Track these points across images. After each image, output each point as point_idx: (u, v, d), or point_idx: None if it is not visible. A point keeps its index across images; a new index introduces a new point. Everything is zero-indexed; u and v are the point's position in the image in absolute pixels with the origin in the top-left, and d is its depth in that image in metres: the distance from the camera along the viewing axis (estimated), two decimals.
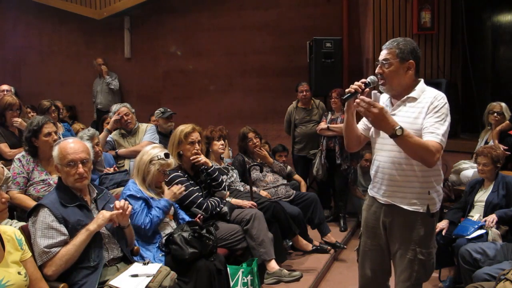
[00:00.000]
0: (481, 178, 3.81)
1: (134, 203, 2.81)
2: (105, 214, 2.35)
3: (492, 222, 3.43)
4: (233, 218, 3.47)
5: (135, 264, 2.45)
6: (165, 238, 2.82)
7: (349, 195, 5.41)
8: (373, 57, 5.54)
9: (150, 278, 2.30)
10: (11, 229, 2.09)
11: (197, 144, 3.44)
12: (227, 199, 3.65)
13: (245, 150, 4.49)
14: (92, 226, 2.30)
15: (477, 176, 3.98)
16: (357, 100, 2.08)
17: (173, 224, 3.02)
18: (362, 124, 2.48)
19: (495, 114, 4.51)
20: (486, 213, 3.58)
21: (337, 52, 5.71)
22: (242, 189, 4.11)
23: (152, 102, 6.83)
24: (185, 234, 2.75)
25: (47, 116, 3.83)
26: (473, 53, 5.47)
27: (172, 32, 6.95)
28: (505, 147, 4.14)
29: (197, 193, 3.34)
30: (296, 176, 4.98)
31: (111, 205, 2.48)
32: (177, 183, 3.28)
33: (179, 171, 3.36)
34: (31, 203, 2.98)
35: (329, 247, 4.25)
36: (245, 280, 3.17)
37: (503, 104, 4.56)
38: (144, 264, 2.44)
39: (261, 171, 4.40)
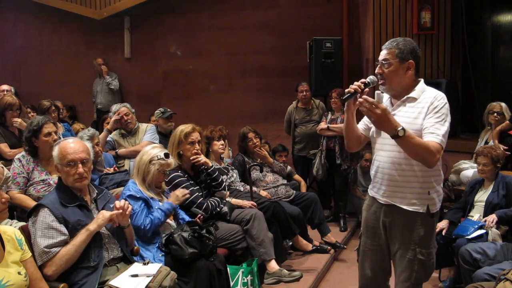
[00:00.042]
0: (481, 178, 3.81)
1: (134, 203, 2.81)
2: (105, 214, 2.35)
3: (492, 222, 3.43)
4: (233, 218, 3.47)
5: (135, 264, 2.45)
6: (165, 238, 2.82)
7: (349, 195, 5.41)
8: (373, 57, 5.54)
9: (150, 278, 2.30)
10: (11, 229, 2.09)
11: (197, 144, 3.44)
12: (227, 199, 3.65)
13: (245, 150, 4.49)
14: (92, 226, 2.30)
15: (477, 176, 3.98)
16: (360, 100, 2.07)
17: (173, 224, 3.02)
18: (363, 124, 2.48)
19: (495, 114, 4.51)
20: (486, 213, 3.58)
21: (337, 52, 5.70)
22: (242, 189, 4.11)
23: (152, 102, 6.83)
24: (185, 234, 2.75)
25: (47, 116, 3.83)
26: (473, 53, 5.46)
27: (172, 32, 6.95)
28: (505, 147, 4.14)
29: (197, 193, 3.34)
30: (296, 176, 4.98)
31: (111, 205, 2.48)
32: (177, 183, 3.29)
33: (179, 171, 3.37)
34: (31, 203, 2.98)
35: (329, 247, 4.25)
36: (245, 280, 3.17)
37: (503, 104, 4.56)
38: (144, 264, 2.44)
39: (261, 171, 4.40)
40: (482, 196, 3.72)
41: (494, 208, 3.56)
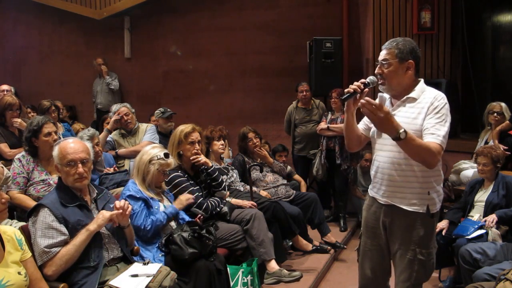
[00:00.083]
0: (481, 178, 3.81)
1: (134, 204, 2.81)
2: (105, 214, 2.36)
3: (492, 222, 3.43)
4: (233, 218, 3.47)
5: (135, 264, 2.45)
6: (165, 238, 2.82)
7: (349, 195, 5.41)
8: (373, 57, 5.54)
9: (150, 278, 2.30)
10: (11, 229, 2.09)
11: (197, 144, 3.44)
12: (227, 199, 3.65)
13: (245, 150, 4.49)
14: (92, 226, 2.30)
15: (477, 176, 3.98)
16: (362, 101, 2.04)
17: (173, 224, 3.02)
18: (363, 124, 2.48)
19: (495, 114, 4.51)
20: (486, 213, 3.58)
21: (337, 52, 5.70)
22: (242, 189, 4.11)
23: (152, 102, 6.83)
24: (185, 234, 2.75)
25: (47, 116, 3.83)
26: (473, 53, 5.46)
27: (172, 32, 6.95)
28: (505, 147, 4.14)
29: (197, 193, 3.34)
30: (296, 176, 4.98)
31: (111, 205, 2.48)
32: (177, 183, 3.29)
33: (179, 171, 3.37)
34: (31, 203, 2.98)
35: (329, 247, 4.25)
36: (245, 280, 3.17)
37: (503, 104, 4.56)
38: (144, 264, 2.44)
39: (261, 171, 4.40)
40: (482, 196, 3.72)
41: (494, 208, 3.56)
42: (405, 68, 2.28)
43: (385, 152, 2.33)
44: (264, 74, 6.64)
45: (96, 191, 2.54)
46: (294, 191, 4.48)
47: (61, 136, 3.62)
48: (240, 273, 3.17)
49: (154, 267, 2.41)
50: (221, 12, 6.75)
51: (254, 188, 4.14)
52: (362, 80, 2.28)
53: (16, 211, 3.19)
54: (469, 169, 4.53)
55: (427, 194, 2.28)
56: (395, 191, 2.31)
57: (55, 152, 2.45)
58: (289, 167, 4.88)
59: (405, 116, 2.27)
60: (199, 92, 6.90)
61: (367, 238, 2.48)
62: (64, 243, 2.26)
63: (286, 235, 3.92)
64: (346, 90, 2.28)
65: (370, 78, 2.31)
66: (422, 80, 2.34)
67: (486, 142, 4.51)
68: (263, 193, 4.23)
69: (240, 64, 6.74)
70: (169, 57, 7.00)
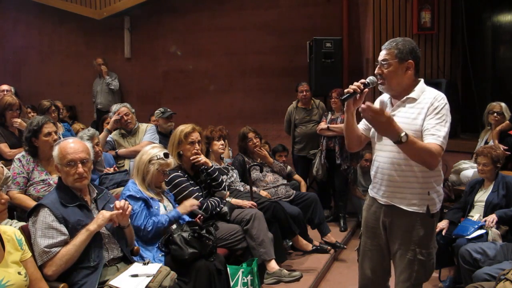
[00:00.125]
0: (481, 178, 3.81)
1: (134, 204, 2.80)
2: (105, 214, 2.36)
3: (492, 222, 3.43)
4: (233, 218, 3.47)
5: (135, 264, 2.45)
6: (164, 238, 2.82)
7: (349, 195, 5.41)
8: (373, 57, 5.54)
9: (150, 278, 2.30)
10: (11, 229, 2.09)
11: (197, 144, 3.44)
12: (227, 199, 3.65)
13: (245, 150, 4.49)
14: (92, 226, 2.30)
15: (477, 176, 3.98)
16: (363, 106, 2.03)
17: (173, 225, 3.01)
18: (363, 124, 2.48)
19: (495, 114, 4.51)
20: (486, 213, 3.58)
21: (337, 52, 5.70)
22: (242, 189, 4.11)
23: (152, 102, 6.83)
24: (185, 234, 2.75)
25: (47, 116, 3.83)
26: (473, 53, 5.46)
27: (172, 32, 6.95)
28: (505, 147, 4.14)
29: (197, 193, 3.34)
30: (296, 176, 4.98)
31: (111, 205, 2.48)
32: (177, 183, 3.28)
33: (179, 171, 3.37)
34: (31, 203, 2.98)
35: (329, 247, 4.25)
36: (245, 280, 3.17)
37: (503, 104, 4.56)
38: (144, 264, 2.44)
39: (261, 171, 4.40)
40: (482, 196, 3.72)
41: (494, 208, 3.56)
42: (405, 68, 2.27)
43: (385, 152, 2.33)
44: (264, 74, 6.64)
45: (96, 191, 2.54)
46: (294, 191, 4.48)
47: (61, 136, 3.62)
48: (240, 273, 3.17)
49: (154, 267, 2.41)
50: (221, 12, 6.75)
51: (254, 188, 4.14)
52: (362, 80, 2.28)
53: (16, 211, 3.19)
54: (469, 169, 4.53)
55: (427, 194, 2.28)
56: (395, 192, 2.31)
57: (55, 152, 2.45)
58: (289, 167, 4.88)
59: (405, 117, 2.27)
60: (199, 92, 6.90)
61: (367, 238, 2.48)
62: (64, 243, 2.26)
63: (286, 235, 3.92)
64: (346, 91, 2.28)
65: (370, 78, 2.31)
66: (422, 80, 2.34)
67: (486, 142, 4.51)
68: (263, 193, 4.23)
69: (240, 64, 6.74)
70: (169, 57, 7.00)
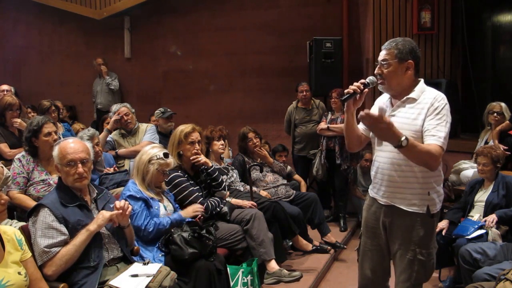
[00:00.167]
0: (481, 178, 3.81)
1: (134, 204, 2.81)
2: (105, 214, 2.36)
3: (492, 222, 3.43)
4: (233, 218, 3.47)
5: (135, 264, 2.45)
6: (164, 238, 2.82)
7: (349, 195, 5.41)
8: (373, 57, 5.53)
9: (150, 278, 2.30)
10: (11, 229, 2.09)
11: (197, 144, 3.44)
12: (227, 199, 3.65)
13: (245, 150, 4.49)
14: (92, 227, 2.30)
15: (477, 176, 3.98)
16: (362, 114, 2.03)
17: None
18: (363, 125, 2.48)
19: (495, 114, 4.51)
20: (486, 213, 3.58)
21: (337, 52, 5.70)
22: (242, 189, 4.11)
23: (152, 102, 6.83)
24: (185, 234, 2.75)
25: (47, 116, 3.83)
26: (473, 53, 5.46)
27: (172, 32, 6.95)
28: (505, 147, 4.14)
29: (197, 193, 3.34)
30: (296, 176, 4.98)
31: (111, 205, 2.48)
32: (177, 183, 3.28)
33: (179, 171, 3.37)
34: (31, 203, 2.98)
35: (329, 247, 4.24)
36: (245, 280, 3.17)
37: (503, 104, 4.56)
38: (144, 264, 2.44)
39: (261, 171, 4.40)
40: (482, 196, 3.72)
41: (494, 208, 3.56)
42: (405, 68, 2.27)
43: (385, 152, 2.33)
44: (264, 74, 6.64)
45: (96, 191, 2.54)
46: (294, 191, 4.48)
47: (61, 136, 3.62)
48: (240, 273, 3.17)
49: (154, 267, 2.41)
50: (221, 12, 6.75)
51: (254, 188, 4.14)
52: (362, 81, 2.28)
53: (16, 211, 3.19)
54: (469, 169, 4.53)
55: (427, 194, 2.28)
56: (395, 192, 2.31)
57: (55, 152, 2.45)
58: (289, 167, 4.88)
59: (405, 117, 2.27)
60: (199, 92, 6.90)
61: (367, 238, 2.48)
62: (64, 243, 2.26)
63: (286, 235, 3.92)
64: (346, 91, 2.29)
65: (370, 78, 2.31)
66: (422, 80, 2.34)
67: (486, 142, 4.51)
68: (263, 193, 4.23)
69: (240, 64, 6.74)
70: (169, 57, 7.00)
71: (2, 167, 3.07)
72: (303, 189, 4.93)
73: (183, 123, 3.56)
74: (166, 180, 3.18)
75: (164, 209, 3.01)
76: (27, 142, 3.27)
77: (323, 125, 5.15)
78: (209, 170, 3.49)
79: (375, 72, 2.33)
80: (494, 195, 3.63)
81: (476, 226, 3.46)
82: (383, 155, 2.34)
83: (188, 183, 3.35)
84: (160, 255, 2.79)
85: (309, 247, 4.07)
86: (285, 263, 3.80)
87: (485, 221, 3.47)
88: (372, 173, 2.45)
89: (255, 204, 3.70)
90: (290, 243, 4.15)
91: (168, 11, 6.91)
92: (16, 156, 3.31)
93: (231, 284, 2.99)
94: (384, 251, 2.42)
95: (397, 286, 2.39)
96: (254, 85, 6.69)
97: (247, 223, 3.42)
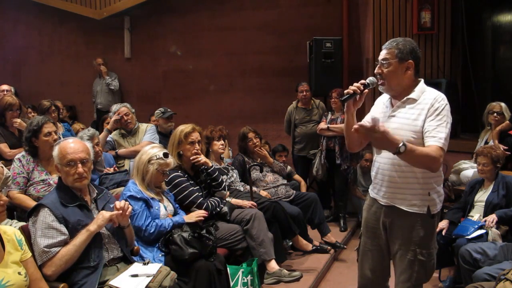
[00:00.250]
0: (481, 178, 3.81)
1: (135, 204, 2.81)
2: (105, 214, 2.35)
3: (492, 222, 3.43)
4: (233, 218, 3.47)
5: (135, 264, 2.45)
6: (164, 238, 2.82)
7: (349, 195, 5.41)
8: (373, 57, 5.53)
9: (150, 278, 2.30)
10: (11, 229, 2.09)
11: (197, 144, 3.44)
12: (227, 199, 3.65)
13: (245, 150, 4.49)
14: (92, 227, 2.30)
15: (477, 176, 3.98)
16: (355, 127, 2.05)
17: None
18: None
19: (495, 114, 4.51)
20: (486, 213, 3.58)
21: (337, 52, 5.70)
22: (242, 189, 4.11)
23: (152, 102, 6.83)
24: (185, 235, 2.76)
25: (47, 116, 3.83)
26: (473, 53, 5.46)
27: (172, 32, 6.95)
28: (505, 147, 4.14)
29: (197, 193, 3.34)
30: (296, 176, 4.98)
31: (111, 205, 2.48)
32: (177, 183, 3.28)
33: (179, 171, 3.36)
34: (31, 203, 2.98)
35: (329, 247, 4.25)
36: (245, 280, 3.17)
37: (503, 104, 4.56)
38: (144, 264, 2.44)
39: (261, 171, 4.40)
40: (482, 196, 3.72)
41: (494, 208, 3.56)
42: (405, 68, 2.27)
43: (385, 153, 2.32)
44: (264, 74, 6.64)
45: (96, 191, 2.54)
46: (294, 191, 4.48)
47: (61, 136, 3.62)
48: (240, 273, 3.17)
49: (154, 267, 2.41)
50: (221, 12, 6.75)
51: (254, 188, 4.14)
52: (362, 81, 2.29)
53: (16, 211, 3.20)
54: (469, 169, 4.53)
55: (427, 195, 2.28)
56: (396, 192, 2.31)
57: (55, 152, 2.45)
58: (289, 167, 4.88)
59: (405, 117, 2.27)
60: (199, 92, 6.90)
61: (367, 238, 2.48)
62: (64, 243, 2.26)
63: (286, 235, 3.92)
64: (345, 92, 2.29)
65: (370, 79, 2.31)
66: (422, 81, 2.33)
67: (486, 142, 4.51)
68: (263, 193, 4.23)
69: (240, 64, 6.74)
70: (169, 57, 7.00)
71: (2, 167, 3.07)
72: (303, 189, 4.93)
73: (183, 123, 3.56)
74: (166, 180, 3.18)
75: (164, 209, 3.01)
76: (27, 142, 3.27)
77: (323, 125, 5.15)
78: (209, 170, 3.49)
79: (375, 71, 2.33)
80: (494, 195, 3.63)
81: (476, 226, 3.46)
82: (384, 156, 2.34)
83: (188, 183, 3.35)
84: (160, 255, 2.79)
85: (309, 247, 4.07)
86: (285, 263, 3.80)
87: (485, 221, 3.47)
88: (373, 173, 2.45)
89: (255, 204, 3.70)
90: (290, 243, 4.15)
91: (168, 11, 6.91)
92: (16, 156, 3.31)
93: (231, 284, 3.00)
94: (384, 251, 2.42)
95: (397, 286, 2.39)
96: (254, 85, 6.68)
97: (247, 223, 3.42)
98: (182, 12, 6.87)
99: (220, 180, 3.54)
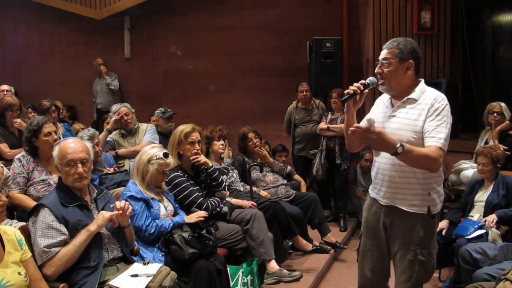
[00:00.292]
0: (481, 178, 3.81)
1: (135, 204, 2.80)
2: (105, 214, 2.35)
3: (492, 222, 3.43)
4: (233, 218, 3.47)
5: (135, 264, 2.45)
6: (164, 238, 2.82)
7: (349, 195, 5.41)
8: (373, 57, 5.54)
9: (150, 278, 2.30)
10: (11, 229, 2.09)
11: (197, 144, 3.44)
12: (227, 199, 3.65)
13: (245, 150, 4.49)
14: (92, 227, 2.30)
15: (477, 176, 3.98)
16: (352, 129, 2.05)
17: None
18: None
19: (495, 114, 4.51)
20: (486, 213, 3.58)
21: (337, 52, 5.70)
22: (242, 189, 4.11)
23: (152, 102, 6.84)
24: (185, 235, 2.76)
25: (47, 116, 3.83)
26: (473, 53, 5.46)
27: (172, 32, 6.95)
28: (505, 147, 4.14)
29: (197, 193, 3.34)
30: (296, 176, 4.98)
31: (111, 205, 2.48)
32: (177, 183, 3.28)
33: (179, 171, 3.36)
34: (31, 203, 2.98)
35: (329, 247, 4.25)
36: (245, 280, 3.17)
37: (503, 104, 4.56)
38: (144, 264, 2.44)
39: (261, 171, 4.40)
40: (482, 196, 3.72)
41: (494, 208, 3.56)
42: (405, 68, 2.27)
43: (385, 153, 2.32)
44: (264, 74, 6.64)
45: (96, 191, 2.54)
46: (294, 191, 4.48)
47: (61, 136, 3.62)
48: (240, 273, 3.17)
49: (154, 267, 2.41)
50: (221, 12, 6.75)
51: (254, 188, 4.14)
52: (362, 81, 2.28)
53: (16, 211, 3.20)
54: (469, 169, 4.53)
55: (427, 195, 2.27)
56: (396, 193, 2.31)
57: (55, 152, 2.45)
58: (289, 167, 4.88)
59: (406, 118, 2.27)
60: (199, 92, 6.90)
61: (367, 238, 2.48)
62: (64, 243, 2.26)
63: (286, 235, 3.92)
64: (346, 92, 2.29)
65: (370, 79, 2.31)
66: (422, 81, 2.33)
67: (486, 142, 4.51)
68: (263, 193, 4.23)
69: (240, 64, 6.74)
70: (169, 57, 7.00)
71: (2, 167, 3.07)
72: (303, 189, 4.93)
73: (183, 123, 3.56)
74: (166, 180, 3.18)
75: (164, 209, 3.01)
76: (27, 142, 3.27)
77: (323, 125, 5.15)
78: (209, 170, 3.49)
79: (376, 71, 2.33)
80: (494, 195, 3.63)
81: (476, 226, 3.46)
82: (384, 156, 2.33)
83: (188, 183, 3.35)
84: (160, 255, 2.79)
85: (309, 247, 4.07)
86: (285, 263, 3.80)
87: (485, 221, 3.47)
88: (373, 173, 2.45)
89: (255, 204, 3.70)
90: (290, 243, 4.15)
91: (168, 11, 6.91)
92: (16, 156, 3.31)
93: (231, 284, 3.00)
94: (384, 251, 2.42)
95: (397, 287, 2.39)
96: (254, 85, 6.69)
97: (247, 223, 3.42)
98: (182, 12, 6.87)
99: (220, 180, 3.54)
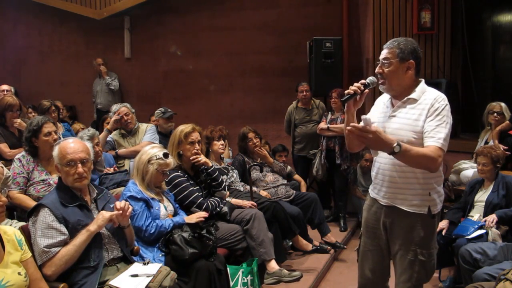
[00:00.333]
0: (481, 178, 3.81)
1: (135, 204, 2.80)
2: (105, 214, 2.35)
3: (492, 222, 3.43)
4: (233, 218, 3.47)
5: (135, 264, 2.45)
6: (165, 238, 2.82)
7: (349, 195, 5.41)
8: (373, 57, 5.54)
9: (150, 278, 2.30)
10: (11, 229, 2.09)
11: (197, 144, 3.44)
12: (227, 199, 3.65)
13: (245, 150, 4.49)
14: (92, 227, 2.30)
15: (477, 176, 3.98)
16: (349, 128, 2.05)
17: None
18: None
19: (495, 114, 4.51)
20: (486, 213, 3.58)
21: (337, 52, 5.70)
22: (242, 189, 4.11)
23: (152, 102, 6.83)
24: (185, 235, 2.76)
25: (47, 116, 3.83)
26: (473, 53, 5.46)
27: (172, 32, 6.95)
28: (505, 147, 4.14)
29: (197, 193, 3.34)
30: (296, 176, 4.98)
31: (111, 205, 2.48)
32: (177, 183, 3.28)
33: (179, 171, 3.37)
34: (31, 203, 2.98)
35: (329, 247, 4.25)
36: (245, 280, 3.17)
37: (503, 104, 4.56)
38: (144, 264, 2.44)
39: (261, 171, 4.40)
40: (482, 196, 3.72)
41: (494, 208, 3.56)
42: (406, 68, 2.27)
43: (385, 153, 2.32)
44: (264, 74, 6.64)
45: (96, 191, 2.54)
46: (294, 191, 4.48)
47: (61, 136, 3.62)
48: (240, 273, 3.17)
49: (154, 267, 2.41)
50: (221, 12, 6.75)
51: (254, 188, 4.14)
52: (362, 81, 2.28)
53: (16, 211, 3.20)
54: (469, 169, 4.53)
55: (428, 195, 2.27)
56: (396, 193, 2.31)
57: (55, 152, 2.45)
58: (289, 167, 4.88)
59: (406, 118, 2.27)
60: (199, 92, 6.90)
61: (367, 239, 2.48)
62: (64, 243, 2.26)
63: (286, 235, 3.92)
64: (346, 92, 2.29)
65: (370, 78, 2.31)
66: (423, 81, 2.33)
67: (486, 142, 4.51)
68: (263, 193, 4.23)
69: (240, 64, 6.74)
70: (169, 57, 7.00)
71: (2, 167, 3.07)
72: (303, 189, 4.93)
73: (183, 123, 3.56)
74: (166, 180, 3.18)
75: (165, 209, 3.01)
76: (27, 142, 3.27)
77: (323, 125, 5.15)
78: (209, 170, 3.49)
79: (376, 71, 2.33)
80: (494, 195, 3.63)
81: (476, 226, 3.46)
82: (384, 156, 2.33)
83: (188, 183, 3.35)
84: (160, 255, 2.79)
85: (309, 247, 4.07)
86: (285, 263, 3.80)
87: (485, 221, 3.47)
88: (373, 173, 2.44)
89: (255, 204, 3.70)
90: (290, 243, 4.15)
91: (168, 11, 6.91)
92: (16, 156, 3.31)
93: (231, 284, 3.00)
94: (384, 251, 2.42)
95: (397, 287, 2.39)
96: (254, 85, 6.69)
97: (247, 223, 3.42)
98: (182, 12, 6.87)
99: (220, 180, 3.54)
